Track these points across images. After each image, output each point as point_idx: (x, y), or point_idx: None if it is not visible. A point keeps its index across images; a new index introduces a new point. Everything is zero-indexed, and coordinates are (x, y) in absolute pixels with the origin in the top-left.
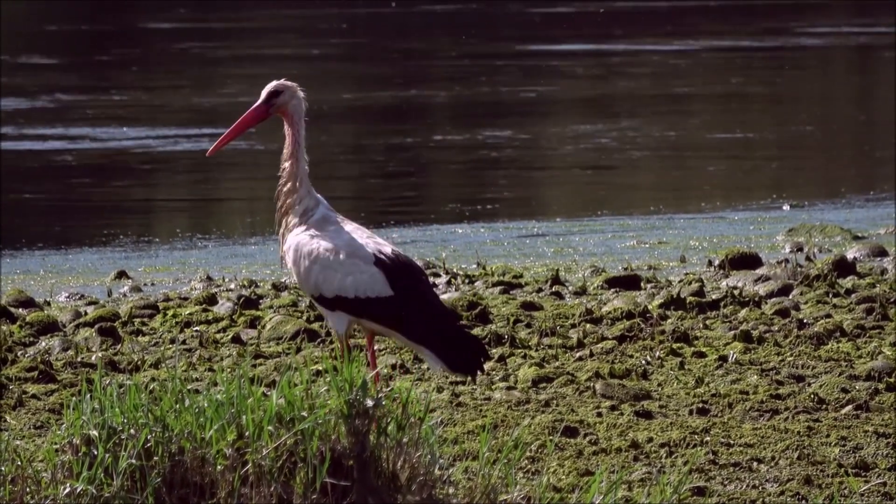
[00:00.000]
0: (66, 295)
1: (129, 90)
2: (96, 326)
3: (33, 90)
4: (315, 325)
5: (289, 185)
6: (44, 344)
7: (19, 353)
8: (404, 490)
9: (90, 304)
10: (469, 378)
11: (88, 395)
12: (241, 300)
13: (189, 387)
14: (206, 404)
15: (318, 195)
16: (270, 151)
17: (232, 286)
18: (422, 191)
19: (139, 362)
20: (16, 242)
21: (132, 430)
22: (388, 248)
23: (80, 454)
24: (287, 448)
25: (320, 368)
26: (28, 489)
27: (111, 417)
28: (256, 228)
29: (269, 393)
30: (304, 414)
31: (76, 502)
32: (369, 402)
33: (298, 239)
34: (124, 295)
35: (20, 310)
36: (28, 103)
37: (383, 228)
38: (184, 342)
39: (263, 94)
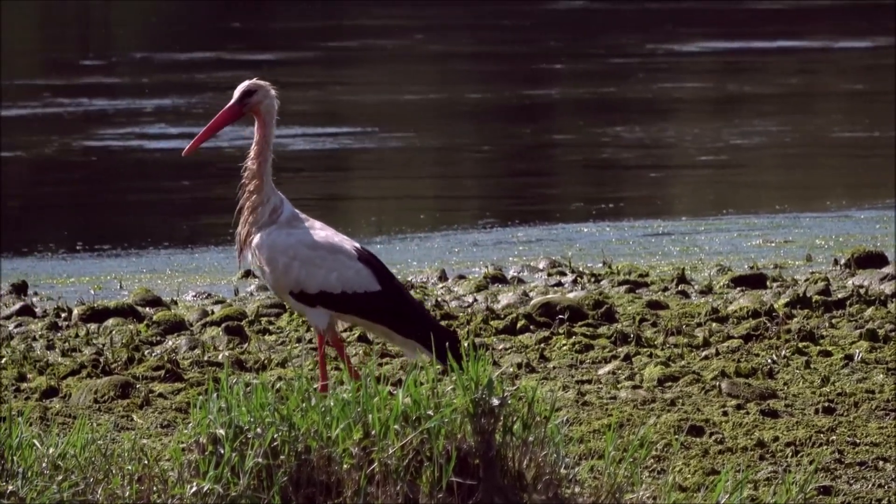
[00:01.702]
0: (193, 294)
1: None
2: (223, 325)
3: (176, 88)
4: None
5: (254, 183)
6: (171, 343)
7: (146, 352)
8: (530, 489)
9: (217, 302)
10: (446, 366)
11: (215, 394)
12: None
13: (315, 385)
14: (332, 403)
15: (281, 193)
16: (396, 149)
17: None
18: (548, 189)
19: (266, 361)
20: (142, 241)
21: (259, 429)
22: (358, 245)
23: (206, 453)
24: (413, 447)
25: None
26: (155, 488)
27: (238, 416)
28: (381, 227)
29: (395, 392)
30: (430, 413)
31: (203, 501)
32: (495, 401)
33: (272, 237)
34: (251, 294)
35: (147, 309)
36: (153, 101)
37: (509, 227)
38: (310, 341)
39: (236, 93)
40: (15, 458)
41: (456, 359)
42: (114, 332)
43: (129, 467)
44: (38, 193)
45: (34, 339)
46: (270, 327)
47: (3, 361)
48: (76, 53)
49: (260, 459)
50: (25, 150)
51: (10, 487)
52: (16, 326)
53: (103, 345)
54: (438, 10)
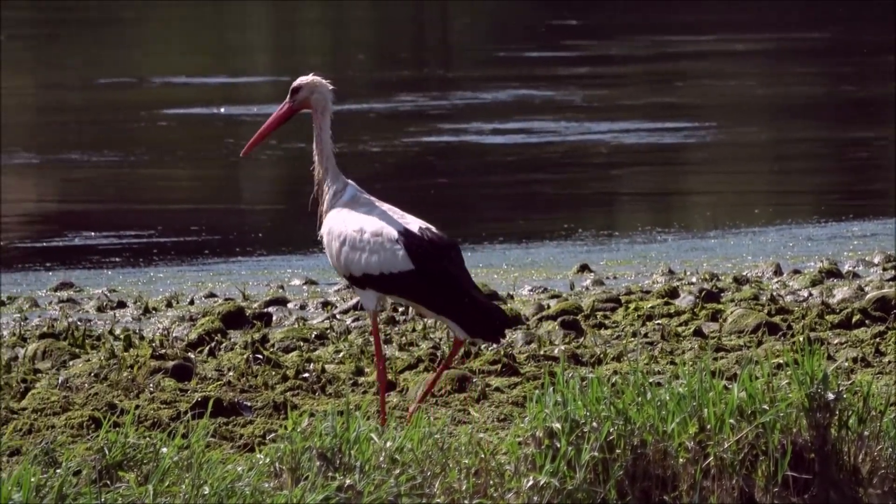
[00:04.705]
0: (529, 288)
1: (590, 85)
2: (559, 319)
3: (510, 84)
4: (776, 319)
5: (319, 172)
6: (507, 337)
7: (482, 347)
8: (865, 483)
9: (553, 297)
10: (490, 343)
11: (551, 388)
12: (703, 293)
13: (651, 380)
14: (667, 397)
15: (348, 179)
16: (732, 143)
17: (693, 279)
18: (883, 184)
19: (601, 355)
20: (477, 236)
21: (594, 423)
22: (414, 226)
23: (542, 447)
24: (748, 441)
25: (781, 361)
26: (491, 482)
27: (573, 410)
28: (717, 221)
29: (730, 386)
30: (765, 407)
31: (539, 495)
32: (830, 396)
33: (330, 222)
34: (586, 288)
35: None
36: (490, 97)
37: (844, 221)
38: (645, 335)
39: (290, 91)
40: (353, 451)
41: (494, 335)
42: None
43: (466, 461)
44: (373, 190)
45: None
46: (606, 321)
47: (340, 356)
48: (412, 51)
49: (596, 453)
50: (364, 146)
51: (348, 481)
52: (353, 321)
53: (440, 339)
54: (770, 5)
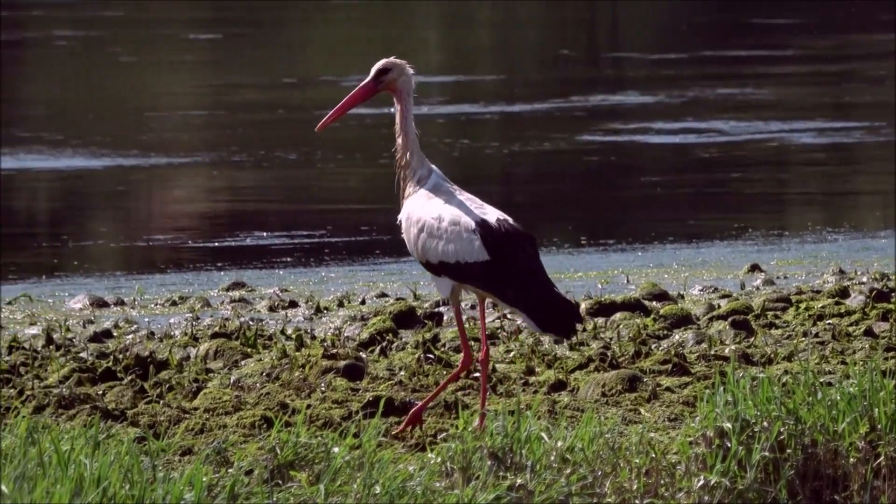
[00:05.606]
0: (700, 288)
1: (761, 83)
2: (729, 319)
3: (677, 84)
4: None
5: (404, 158)
6: (677, 337)
7: (653, 346)
8: None
9: (723, 297)
10: (562, 338)
11: (722, 388)
12: (873, 293)
13: (821, 380)
14: (838, 397)
15: (432, 165)
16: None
17: (864, 279)
18: None
19: (772, 355)
20: (648, 235)
21: (765, 423)
22: (492, 217)
23: (713, 446)
24: None
25: None
26: (662, 481)
27: (744, 410)
28: (888, 221)
29: None
30: None
31: (710, 494)
32: None
33: (409, 208)
34: (757, 288)
35: (654, 303)
36: (657, 98)
37: None
38: (816, 335)
39: (372, 71)
40: (524, 451)
41: (564, 330)
42: (621, 326)
43: (637, 461)
44: (541, 190)
45: None
46: (776, 321)
47: (511, 355)
48: (583, 51)
49: (766, 453)
50: (534, 146)
51: (519, 480)
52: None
53: (611, 339)
54: None
